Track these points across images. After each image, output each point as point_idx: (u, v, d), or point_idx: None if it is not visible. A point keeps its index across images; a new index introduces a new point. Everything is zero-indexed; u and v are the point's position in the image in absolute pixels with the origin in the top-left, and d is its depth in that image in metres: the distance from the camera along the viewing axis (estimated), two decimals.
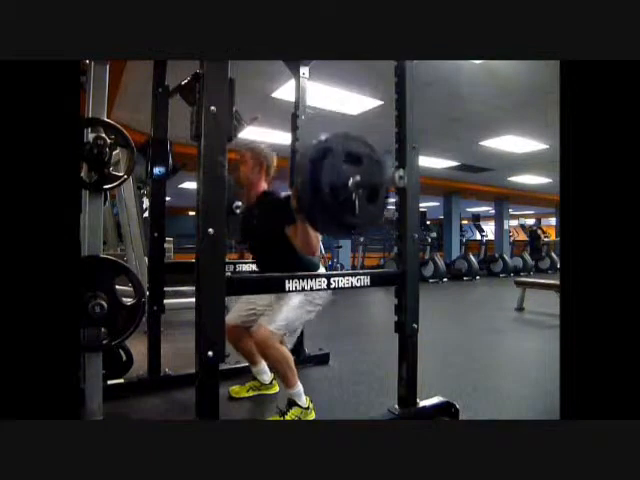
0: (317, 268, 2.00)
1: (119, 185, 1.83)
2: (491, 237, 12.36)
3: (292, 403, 1.86)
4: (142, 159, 2.29)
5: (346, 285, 1.67)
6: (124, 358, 2.25)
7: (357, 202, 1.46)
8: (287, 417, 1.82)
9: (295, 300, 1.89)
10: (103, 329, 1.75)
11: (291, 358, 1.85)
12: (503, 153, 7.13)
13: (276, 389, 2.30)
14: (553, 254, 11.45)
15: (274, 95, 4.51)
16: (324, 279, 1.62)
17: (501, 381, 2.63)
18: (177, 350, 2.92)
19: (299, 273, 1.61)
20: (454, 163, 8.13)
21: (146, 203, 4.37)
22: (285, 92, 4.32)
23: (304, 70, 2.70)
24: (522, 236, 13.37)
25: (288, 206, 1.58)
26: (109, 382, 2.09)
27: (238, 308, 2.12)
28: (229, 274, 2.41)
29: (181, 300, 3.43)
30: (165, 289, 2.36)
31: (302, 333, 2.54)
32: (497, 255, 10.90)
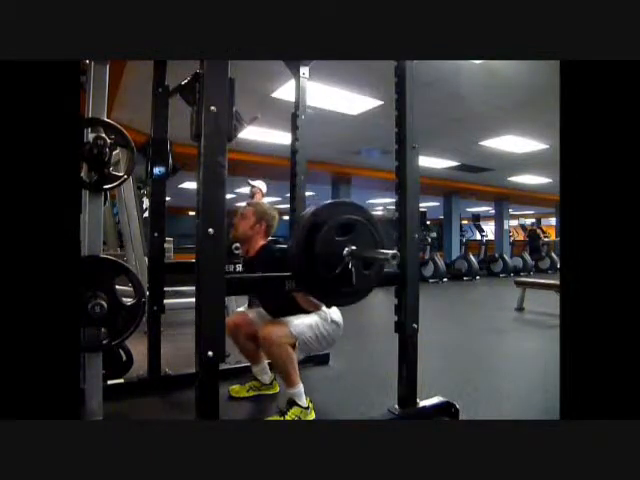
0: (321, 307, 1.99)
1: (119, 185, 1.83)
2: (491, 237, 12.37)
3: (292, 403, 1.86)
4: (142, 159, 2.29)
5: None
6: (124, 358, 2.25)
7: (354, 272, 1.49)
8: (287, 417, 1.82)
9: (311, 319, 1.91)
10: (103, 329, 1.75)
11: (295, 358, 1.86)
12: (503, 153, 7.13)
13: (276, 389, 2.30)
14: (553, 254, 11.45)
15: (274, 95, 4.51)
16: None
17: (501, 381, 2.63)
18: (177, 350, 2.92)
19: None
20: (454, 163, 8.13)
21: (146, 203, 4.37)
22: (285, 92, 4.32)
23: (304, 70, 2.70)
24: (522, 236, 13.37)
25: (286, 263, 1.62)
26: (109, 382, 2.09)
27: (256, 310, 2.17)
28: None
29: (181, 300, 3.43)
30: (165, 289, 2.36)
31: None
32: (497, 255, 10.91)
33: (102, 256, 1.77)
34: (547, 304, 4.76)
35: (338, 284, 1.51)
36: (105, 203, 2.13)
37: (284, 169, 3.15)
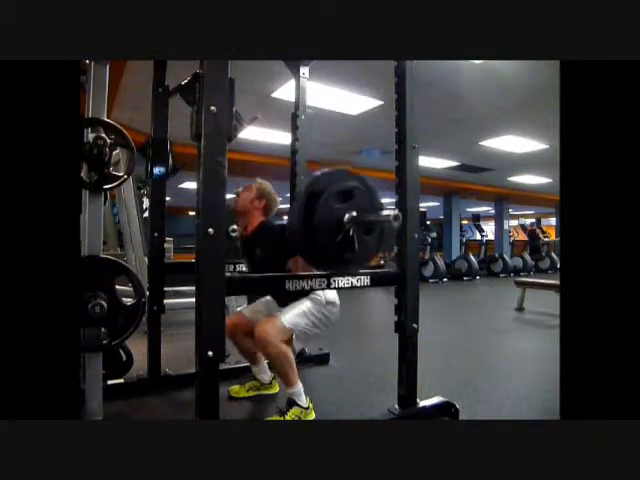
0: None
1: (119, 185, 1.83)
2: (491, 237, 12.36)
3: (292, 403, 1.86)
4: (142, 159, 2.29)
5: (346, 285, 1.67)
6: (124, 358, 2.25)
7: (355, 238, 1.48)
8: (287, 417, 1.82)
9: (304, 306, 1.89)
10: (103, 329, 1.75)
11: (292, 357, 1.85)
12: (503, 153, 7.13)
13: (276, 389, 2.30)
14: (553, 254, 11.44)
15: (274, 95, 4.51)
16: (324, 279, 1.62)
17: (501, 381, 2.63)
18: (177, 350, 2.92)
19: (299, 273, 1.62)
20: (454, 163, 8.12)
21: (146, 203, 4.37)
22: (285, 92, 4.32)
23: (304, 70, 2.70)
24: (522, 236, 13.37)
25: (286, 240, 1.61)
26: (109, 382, 2.09)
27: (252, 306, 2.16)
28: (229, 274, 2.41)
29: (181, 300, 3.43)
30: (165, 289, 2.36)
31: None
32: (497, 255, 10.90)
33: (102, 256, 1.76)
34: (547, 304, 4.76)
35: (340, 251, 1.49)
36: (105, 203, 2.13)
37: (284, 169, 3.15)
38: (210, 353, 1.28)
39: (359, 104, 4.88)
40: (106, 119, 1.77)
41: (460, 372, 2.78)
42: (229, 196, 2.31)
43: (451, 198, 11.23)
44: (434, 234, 9.42)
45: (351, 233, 1.47)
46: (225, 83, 1.34)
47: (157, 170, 2.30)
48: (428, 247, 9.02)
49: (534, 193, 11.67)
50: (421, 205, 1.94)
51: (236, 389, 2.24)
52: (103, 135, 1.70)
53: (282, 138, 5.80)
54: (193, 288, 1.36)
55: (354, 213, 1.48)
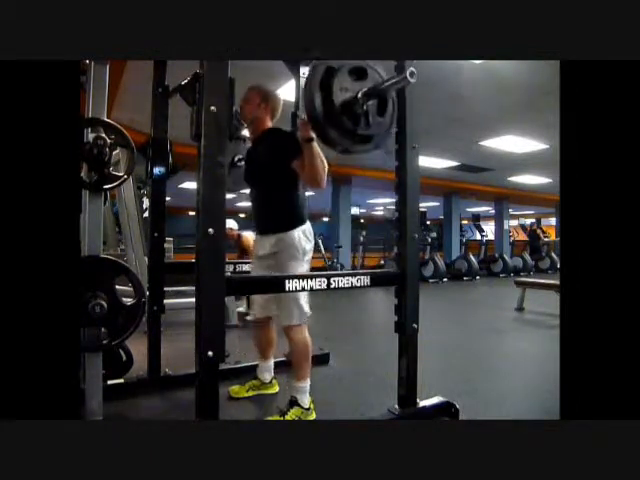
0: (305, 221, 1.98)
1: (119, 185, 1.83)
2: (491, 237, 12.36)
3: (293, 402, 1.86)
4: (142, 159, 2.29)
5: (346, 285, 1.67)
6: (124, 358, 2.25)
7: (369, 112, 1.47)
8: (287, 417, 1.82)
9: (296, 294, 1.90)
10: (103, 329, 1.75)
11: (310, 352, 1.92)
12: (503, 153, 7.13)
13: (276, 389, 2.31)
14: (553, 254, 11.45)
15: None
16: (324, 279, 1.62)
17: (501, 381, 2.63)
18: (177, 350, 2.92)
19: (298, 274, 1.62)
20: (454, 163, 8.13)
21: (146, 203, 4.37)
22: (285, 92, 4.32)
23: (304, 70, 2.70)
24: (522, 236, 13.37)
25: (294, 138, 1.58)
26: (109, 382, 2.09)
27: (257, 300, 2.15)
28: (229, 274, 2.41)
29: (181, 300, 3.43)
30: (165, 289, 2.36)
31: None
32: (497, 255, 10.90)
33: (102, 256, 1.76)
34: (547, 304, 4.76)
35: (354, 125, 1.49)
36: (105, 203, 2.13)
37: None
38: (210, 353, 1.28)
39: None
40: (106, 119, 1.77)
41: (460, 372, 2.78)
42: (229, 196, 2.30)
43: (451, 198, 11.23)
44: (434, 234, 9.41)
45: (365, 108, 1.47)
46: (225, 83, 1.34)
47: (157, 170, 2.30)
48: (428, 247, 9.02)
49: (534, 193, 11.67)
50: (421, 205, 1.94)
51: (236, 389, 2.24)
52: (103, 135, 1.70)
53: None
54: (193, 288, 1.36)
55: (365, 89, 1.48)
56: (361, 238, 10.53)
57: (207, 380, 1.32)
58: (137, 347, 2.34)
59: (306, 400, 1.88)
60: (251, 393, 2.25)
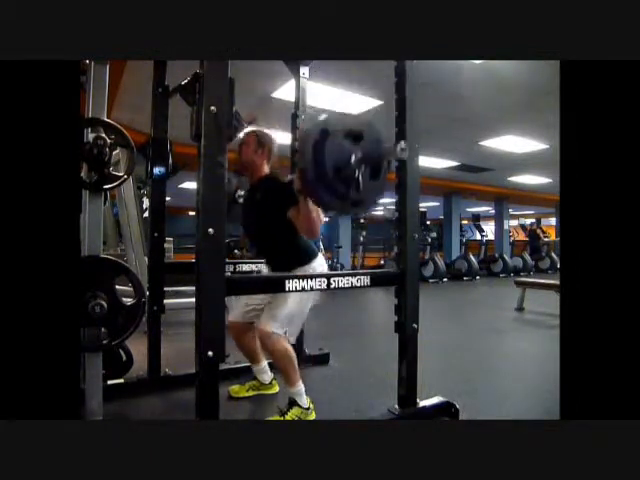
0: (316, 254, 1.98)
1: (119, 185, 1.83)
2: (491, 237, 12.36)
3: (293, 403, 1.86)
4: (142, 159, 2.29)
5: (346, 285, 1.67)
6: (124, 358, 2.25)
7: (360, 178, 1.47)
8: (287, 417, 1.82)
9: (293, 299, 1.87)
10: (103, 329, 1.75)
11: (294, 356, 1.85)
12: (503, 153, 7.13)
13: (276, 389, 2.30)
14: (553, 254, 11.44)
15: (274, 95, 4.51)
16: (324, 279, 1.62)
17: (501, 381, 2.63)
18: (177, 350, 2.92)
19: (298, 274, 1.62)
20: (454, 163, 8.12)
21: (146, 203, 4.38)
22: (285, 92, 4.32)
23: (304, 70, 2.70)
24: (522, 236, 13.37)
25: (290, 188, 1.60)
26: (109, 382, 2.09)
27: (238, 305, 2.12)
28: (229, 274, 2.41)
29: (181, 300, 3.43)
30: (165, 289, 2.36)
31: (302, 332, 2.54)
32: (497, 255, 10.90)
33: (102, 256, 1.76)
34: (547, 304, 4.76)
35: (346, 190, 1.49)
36: (105, 203, 2.13)
37: (284, 169, 3.14)
38: (210, 353, 1.28)
39: (359, 104, 4.88)
40: (106, 119, 1.77)
41: (460, 372, 2.78)
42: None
43: (451, 198, 11.23)
44: (434, 234, 9.42)
45: (357, 173, 1.47)
46: (225, 83, 1.34)
47: (157, 170, 2.30)
48: (428, 247, 9.02)
49: (534, 193, 11.67)
50: (421, 205, 1.94)
51: (236, 389, 2.24)
52: (103, 135, 1.70)
53: (282, 138, 5.80)
54: (193, 288, 1.36)
55: (360, 154, 1.48)
56: (361, 238, 10.53)
57: (207, 380, 1.32)
58: (137, 347, 2.34)
59: (305, 400, 1.88)
60: (251, 393, 2.25)
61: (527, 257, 11.02)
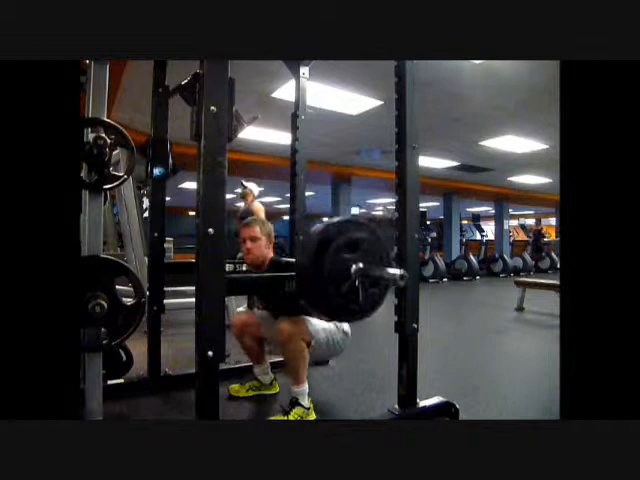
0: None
1: (119, 185, 1.83)
2: (491, 237, 12.36)
3: (295, 403, 1.86)
4: (142, 159, 2.28)
5: None
6: (124, 358, 2.25)
7: (360, 290, 1.52)
8: (290, 417, 1.83)
9: (326, 324, 1.94)
10: (103, 329, 1.75)
11: (307, 357, 1.89)
12: (503, 153, 7.13)
13: (276, 389, 2.31)
14: (553, 254, 11.45)
15: (274, 95, 4.51)
16: None
17: (501, 381, 2.63)
18: (177, 350, 2.92)
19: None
20: (454, 163, 8.13)
21: (146, 203, 4.37)
22: (285, 92, 4.32)
23: (304, 70, 2.70)
24: (522, 236, 13.37)
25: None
26: (109, 382, 2.09)
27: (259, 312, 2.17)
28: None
29: (181, 300, 3.43)
30: (165, 289, 2.36)
31: None
32: (497, 255, 10.90)
33: (102, 256, 1.76)
34: (547, 304, 4.76)
35: (345, 301, 1.52)
36: (105, 203, 2.13)
37: (284, 169, 3.15)
38: (210, 353, 1.28)
39: (359, 104, 4.88)
40: (106, 119, 1.77)
41: (460, 372, 2.78)
42: (229, 196, 2.29)
43: (451, 198, 11.23)
44: (434, 234, 9.42)
45: (357, 284, 1.51)
46: (225, 83, 1.34)
47: (157, 170, 2.30)
48: (428, 247, 9.02)
49: (534, 193, 11.68)
50: (421, 205, 1.94)
51: (236, 388, 2.25)
52: (103, 135, 1.70)
53: (282, 138, 5.81)
54: (193, 288, 1.36)
55: (361, 265, 1.50)
56: None
57: (207, 380, 1.32)
58: (137, 347, 2.34)
59: (306, 400, 1.89)
60: (251, 393, 2.25)
61: (527, 257, 11.03)
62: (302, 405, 1.86)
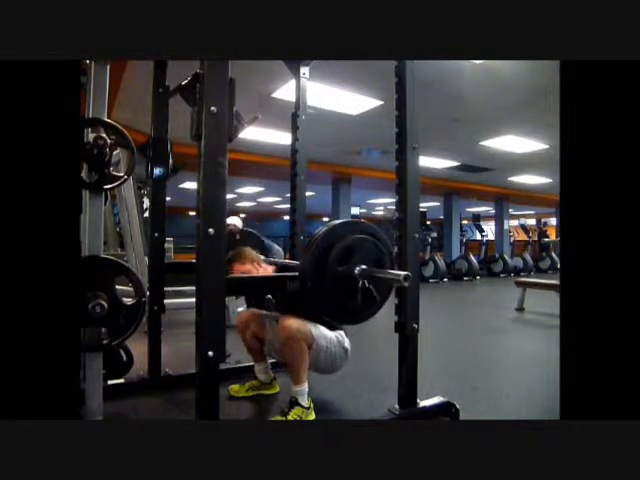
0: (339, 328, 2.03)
1: (119, 185, 1.83)
2: (491, 237, 12.36)
3: (294, 402, 1.86)
4: (142, 159, 2.28)
5: None
6: (124, 358, 2.24)
7: (361, 291, 1.55)
8: (289, 417, 1.83)
9: (329, 333, 1.93)
10: (103, 329, 1.75)
11: (307, 356, 1.88)
12: (503, 153, 7.13)
13: (276, 389, 2.30)
14: (553, 254, 11.45)
15: (274, 95, 4.51)
16: None
17: (501, 381, 2.63)
18: (177, 350, 2.92)
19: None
20: (454, 163, 8.13)
21: (146, 203, 4.38)
22: (285, 92, 4.32)
23: (304, 70, 2.70)
24: (522, 236, 13.37)
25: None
26: (109, 382, 2.09)
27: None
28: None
29: (181, 300, 3.43)
30: (165, 289, 2.36)
31: None
32: (497, 255, 10.90)
33: (102, 256, 1.76)
34: (547, 304, 4.76)
35: (348, 302, 1.53)
36: (105, 203, 2.13)
37: (284, 169, 3.15)
38: (210, 353, 1.28)
39: (359, 104, 4.88)
40: (106, 119, 1.77)
41: (460, 372, 2.78)
42: (229, 196, 2.30)
43: (451, 198, 11.23)
44: (434, 234, 9.42)
45: (360, 285, 1.54)
46: (225, 83, 1.34)
47: (157, 170, 2.30)
48: (428, 247, 9.02)
49: (534, 193, 11.68)
50: (421, 205, 1.94)
51: (236, 388, 2.24)
52: (103, 135, 1.70)
53: (282, 138, 5.81)
54: (193, 288, 1.36)
55: (364, 267, 1.51)
56: None
57: (207, 380, 1.32)
58: (137, 347, 2.34)
59: (306, 400, 1.88)
60: (251, 393, 2.25)
61: (527, 257, 11.03)
62: (301, 405, 1.86)
